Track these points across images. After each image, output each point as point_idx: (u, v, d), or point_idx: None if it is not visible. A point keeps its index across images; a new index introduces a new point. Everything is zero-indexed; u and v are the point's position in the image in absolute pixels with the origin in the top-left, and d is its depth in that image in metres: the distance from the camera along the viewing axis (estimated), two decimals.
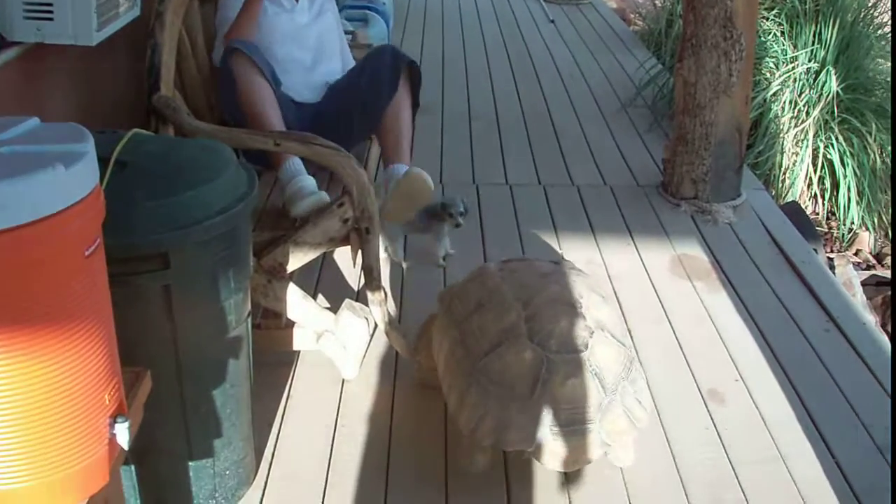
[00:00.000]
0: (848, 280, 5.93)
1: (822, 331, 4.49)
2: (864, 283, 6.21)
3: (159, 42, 3.91)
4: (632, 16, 13.23)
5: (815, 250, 5.81)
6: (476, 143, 6.81)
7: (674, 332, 4.42)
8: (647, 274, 4.99)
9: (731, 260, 5.19)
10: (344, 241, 3.72)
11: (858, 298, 5.76)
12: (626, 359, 3.19)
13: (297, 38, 4.61)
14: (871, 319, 4.96)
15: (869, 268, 6.91)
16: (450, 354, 3.30)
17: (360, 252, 3.72)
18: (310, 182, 3.91)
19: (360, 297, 4.38)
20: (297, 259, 3.67)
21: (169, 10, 3.99)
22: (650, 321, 4.52)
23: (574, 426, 3.03)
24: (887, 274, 6.53)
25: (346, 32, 6.54)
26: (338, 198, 3.66)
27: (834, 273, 5.87)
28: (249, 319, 3.02)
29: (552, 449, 3.04)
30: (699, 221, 5.63)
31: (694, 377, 4.05)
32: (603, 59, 9.23)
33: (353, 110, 4.47)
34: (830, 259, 6.68)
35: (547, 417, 3.02)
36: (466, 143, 6.82)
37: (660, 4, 10.69)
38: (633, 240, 5.38)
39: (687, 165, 5.74)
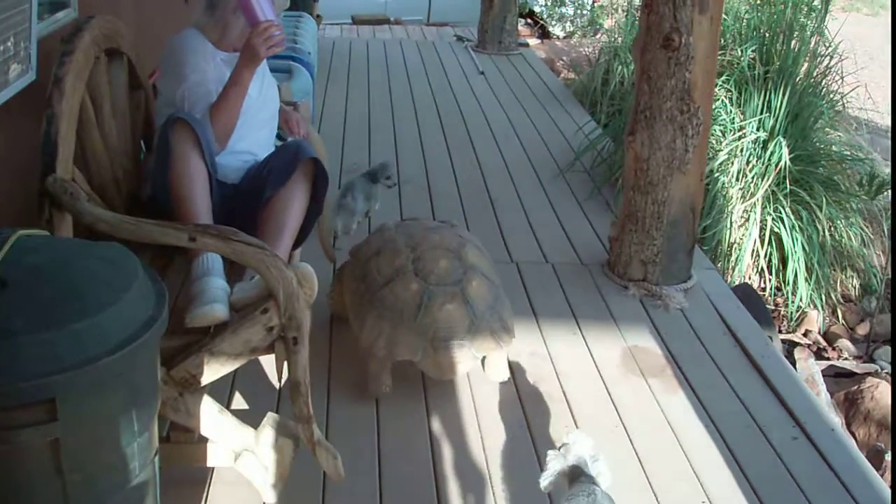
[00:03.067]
0: (810, 376, 5.56)
1: (790, 439, 4.10)
2: (823, 374, 5.83)
3: (57, 112, 3.37)
4: (559, 66, 12.95)
5: (771, 338, 5.47)
6: (406, 211, 6.35)
7: (631, 442, 4.01)
8: (598, 370, 4.57)
9: (686, 353, 4.79)
10: (268, 350, 3.24)
11: (823, 398, 5.39)
12: (494, 291, 4.20)
13: (247, 111, 4.12)
14: (837, 422, 4.58)
15: (820, 350, 6.57)
16: (355, 290, 4.28)
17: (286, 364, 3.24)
18: (215, 288, 3.39)
19: (283, 406, 3.91)
20: (214, 370, 3.19)
21: (70, 74, 3.47)
22: (605, 428, 4.10)
23: (449, 341, 4.00)
24: (844, 364, 6.18)
25: None
26: (263, 300, 3.18)
27: (794, 366, 5.50)
28: (157, 458, 2.58)
29: (433, 359, 4.01)
30: (649, 306, 5.23)
31: (657, 499, 3.62)
32: (537, 117, 8.84)
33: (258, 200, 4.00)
34: (786, 346, 6.32)
35: (428, 334, 4.00)
36: (395, 211, 6.37)
37: (594, 59, 10.37)
38: (579, 328, 4.95)
39: (636, 245, 5.33)
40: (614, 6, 13.90)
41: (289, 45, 7.68)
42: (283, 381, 3.24)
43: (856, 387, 5.63)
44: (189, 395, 3.16)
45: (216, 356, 3.17)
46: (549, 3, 15.68)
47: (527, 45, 12.63)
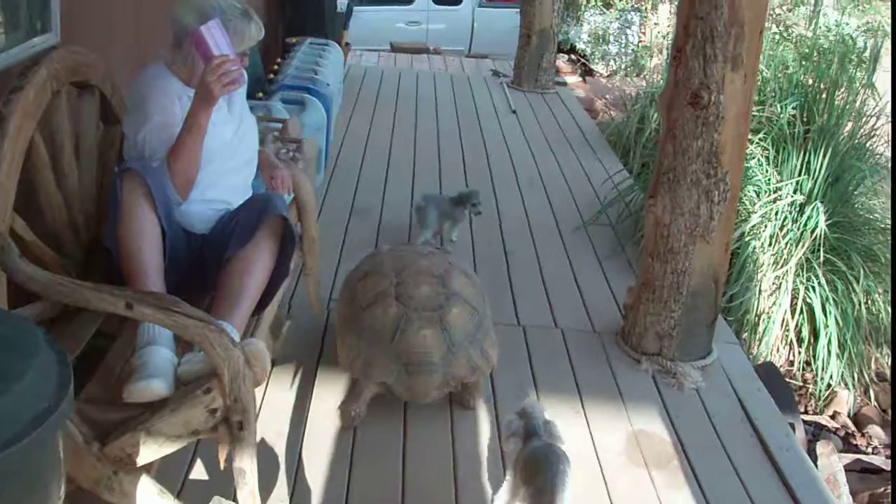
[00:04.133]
0: (832, 475, 5.09)
1: None
2: (847, 469, 5.37)
3: None
4: (599, 105, 12.57)
5: (793, 425, 5.03)
6: None
7: None
8: (597, 457, 4.16)
9: (697, 441, 4.37)
10: (212, 432, 2.89)
11: (844, 501, 4.93)
12: (475, 320, 4.23)
13: (219, 154, 3.75)
14: None
15: (848, 436, 6.10)
16: (341, 311, 4.41)
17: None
18: (159, 360, 3.02)
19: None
20: (151, 451, 2.85)
21: (16, 114, 3.12)
22: None
23: (423, 366, 4.06)
24: (872, 459, 5.71)
25: (276, 121, 5.78)
26: (209, 377, 2.82)
27: (815, 462, 5.06)
28: None
29: (405, 383, 4.09)
30: (661, 384, 4.81)
31: None
32: (566, 161, 8.42)
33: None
34: (811, 429, 5.87)
35: (402, 358, 4.06)
36: None
37: (629, 106, 9.97)
38: (582, 405, 4.54)
39: (652, 316, 4.92)
40: (658, 47, 13.51)
41: (307, 76, 7.37)
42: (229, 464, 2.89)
43: (882, 489, 5.17)
44: (125, 475, 2.83)
45: (153, 436, 2.84)
46: (592, 41, 15.30)
47: (564, 83, 12.26)
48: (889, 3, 12.93)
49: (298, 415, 4.22)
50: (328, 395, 4.36)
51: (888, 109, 7.11)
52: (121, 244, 3.34)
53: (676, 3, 7.46)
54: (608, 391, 4.71)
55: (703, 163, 4.58)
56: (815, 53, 8.81)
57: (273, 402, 4.28)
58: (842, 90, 7.06)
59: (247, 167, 3.99)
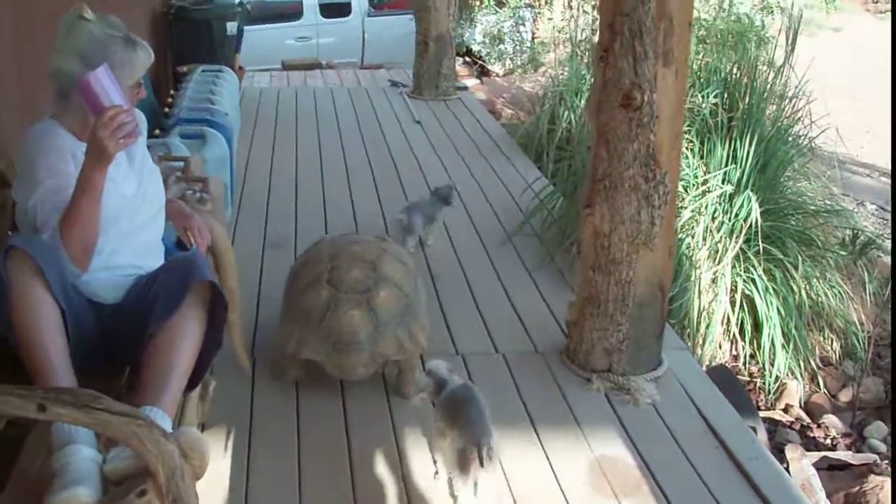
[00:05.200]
0: (806, 480, 4.87)
1: None
2: (815, 467, 5.16)
3: None
4: (499, 105, 12.35)
5: (755, 429, 4.82)
6: None
7: None
8: (562, 490, 3.88)
9: (663, 459, 4.11)
10: None
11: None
12: (404, 303, 4.48)
13: (121, 218, 3.38)
14: None
15: (804, 429, 5.91)
16: (284, 297, 4.72)
17: None
18: (81, 461, 2.66)
19: None
20: None
21: None
22: None
23: (350, 345, 4.32)
24: (839, 455, 5.52)
25: (177, 159, 5.42)
26: (142, 475, 2.48)
27: (786, 467, 4.84)
28: None
29: (334, 360, 4.36)
30: (616, 402, 4.54)
31: None
32: (479, 170, 8.10)
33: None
34: (768, 426, 5.66)
35: (331, 337, 4.34)
36: None
37: (536, 97, 9.74)
38: (537, 436, 4.26)
39: (598, 332, 4.64)
40: (555, 42, 13.30)
41: (204, 107, 6.99)
42: None
43: (857, 488, 4.95)
44: None
45: None
46: (487, 41, 15.06)
47: (465, 87, 11.97)
48: None
49: (237, 481, 3.86)
50: (266, 458, 4.02)
51: (807, 88, 6.91)
52: (18, 334, 2.97)
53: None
54: (562, 416, 4.43)
55: (641, 166, 4.32)
56: (714, 35, 8.68)
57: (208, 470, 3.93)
58: (762, 73, 6.87)
59: (154, 224, 3.60)
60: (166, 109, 7.45)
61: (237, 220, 6.71)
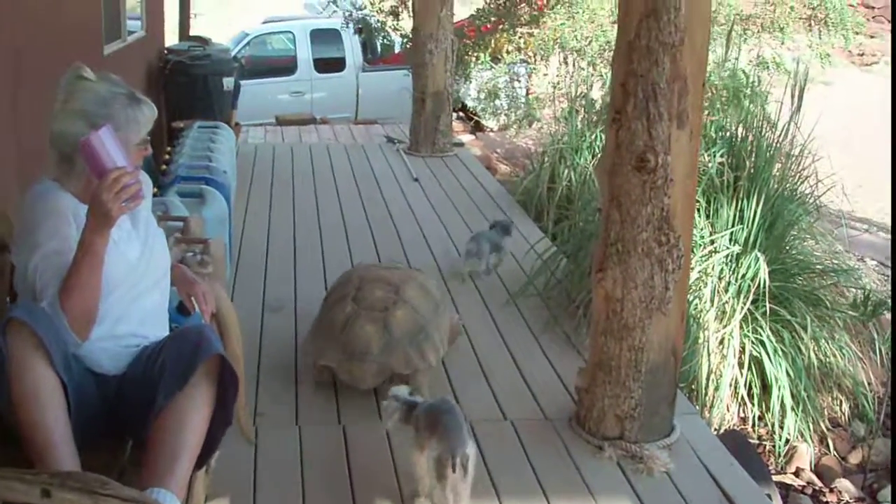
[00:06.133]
0: None
1: None
2: None
3: None
4: (494, 159, 12.29)
5: (770, 496, 4.69)
6: None
7: None
8: None
9: None
10: None
11: None
12: (419, 324, 4.93)
13: (124, 283, 3.26)
14: None
15: (816, 493, 5.78)
16: (318, 313, 5.27)
17: None
18: None
19: None
20: None
21: None
22: None
23: (363, 356, 4.81)
24: None
25: (176, 219, 5.32)
26: None
27: None
28: None
29: (346, 368, 4.86)
30: (629, 471, 4.41)
31: None
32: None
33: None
34: (781, 492, 5.53)
35: (347, 349, 4.83)
36: None
37: (531, 152, 9.66)
38: None
39: (610, 399, 4.53)
40: (551, 97, 13.26)
41: (202, 164, 6.90)
42: None
43: None
44: None
45: None
46: (481, 97, 15.02)
47: (462, 144, 11.90)
48: None
49: None
50: None
51: (812, 146, 6.84)
52: (17, 411, 2.84)
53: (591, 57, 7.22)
54: (574, 486, 4.30)
55: (654, 230, 4.22)
56: (709, 91, 8.62)
57: None
58: (767, 131, 6.80)
59: (158, 290, 3.47)
60: (163, 167, 7.36)
61: (235, 282, 6.59)
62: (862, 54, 22.73)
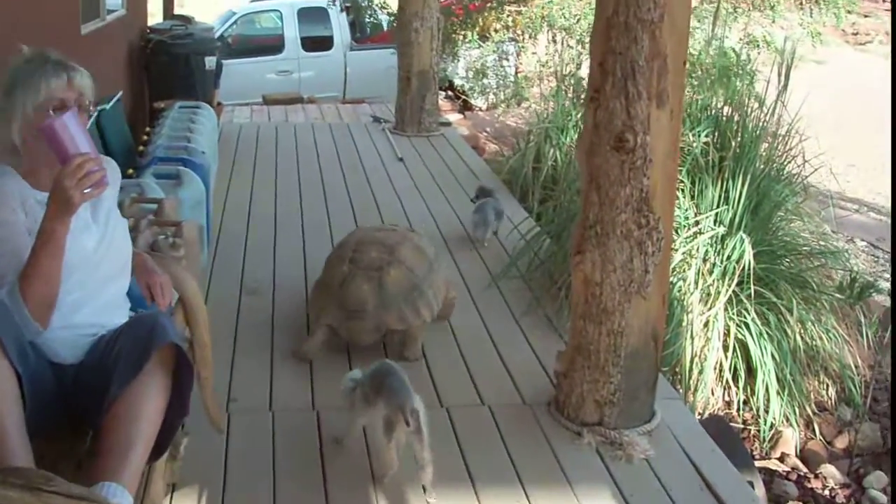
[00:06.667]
0: None
1: None
2: None
3: None
4: (483, 139, 12.16)
5: (752, 483, 4.62)
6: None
7: None
8: None
9: None
10: None
11: None
12: (412, 282, 5.15)
13: (80, 269, 3.15)
14: None
15: (801, 479, 5.70)
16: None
17: None
18: None
19: None
20: None
21: None
22: None
23: (358, 313, 5.05)
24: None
25: (150, 201, 5.22)
26: None
27: None
28: None
29: (345, 326, 5.09)
30: (608, 458, 4.32)
31: None
32: (463, 209, 7.81)
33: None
34: (764, 477, 5.46)
35: (344, 305, 5.07)
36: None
37: (519, 132, 9.54)
38: (526, 496, 4.01)
39: (589, 384, 4.43)
40: (538, 76, 13.14)
41: (180, 145, 6.78)
42: None
43: None
44: None
45: None
46: (469, 75, 14.88)
47: (449, 123, 11.77)
48: None
49: None
50: None
51: (800, 125, 6.73)
52: None
53: (579, 37, 7.14)
54: (551, 473, 4.21)
55: (633, 212, 4.13)
56: (698, 69, 8.53)
57: None
58: (754, 110, 6.69)
59: (118, 280, 3.38)
60: (140, 148, 7.24)
61: (213, 264, 6.48)
62: (856, 33, 22.68)
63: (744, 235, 6.00)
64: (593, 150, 4.18)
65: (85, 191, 2.87)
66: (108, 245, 3.27)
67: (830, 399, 6.32)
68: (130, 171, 6.56)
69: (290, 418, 4.56)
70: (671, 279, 5.91)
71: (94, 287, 3.21)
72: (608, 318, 4.30)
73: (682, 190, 6.39)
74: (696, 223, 6.22)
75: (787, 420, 5.94)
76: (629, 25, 3.96)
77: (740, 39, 12.06)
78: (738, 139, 6.52)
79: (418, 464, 3.87)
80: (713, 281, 6.00)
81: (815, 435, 6.11)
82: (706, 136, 6.60)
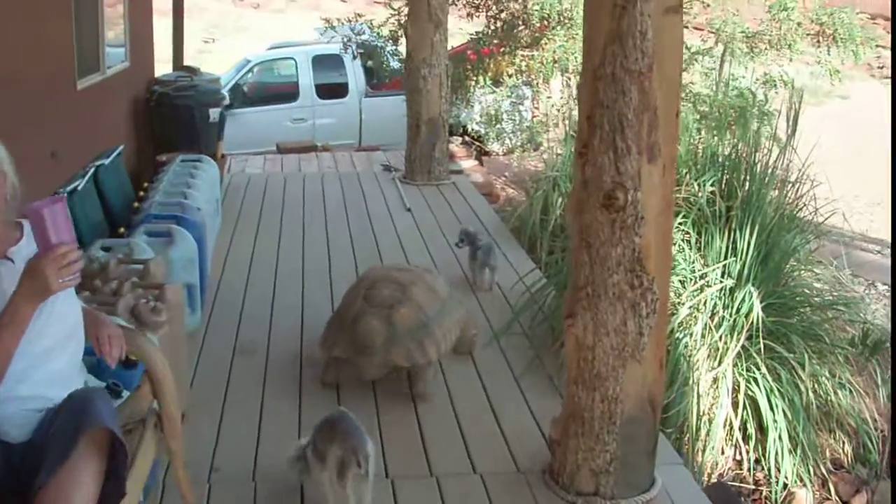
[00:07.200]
0: None
1: None
2: None
3: None
4: (499, 187, 11.99)
5: None
6: (306, 403, 5.27)
7: None
8: None
9: None
10: None
11: None
12: (421, 321, 5.29)
13: (22, 342, 3.00)
14: None
15: None
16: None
17: None
18: None
19: None
20: None
21: None
22: None
23: (367, 350, 5.22)
24: None
25: (138, 262, 5.08)
26: None
27: None
28: None
29: (353, 361, 5.30)
30: None
31: None
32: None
33: None
34: None
35: (355, 342, 5.24)
36: (294, 402, 5.28)
37: (530, 192, 9.34)
38: None
39: (584, 452, 4.23)
40: (553, 120, 12.98)
41: (175, 202, 6.63)
42: None
43: None
44: None
45: None
46: (485, 121, 14.73)
47: (460, 171, 11.63)
48: None
49: None
50: None
51: (811, 170, 6.52)
52: None
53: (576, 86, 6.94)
54: None
55: (626, 272, 3.93)
56: (717, 111, 8.35)
57: None
58: (762, 155, 6.48)
59: (65, 350, 3.23)
60: (135, 204, 7.10)
61: (209, 324, 6.32)
62: (882, 67, 22.42)
63: (752, 288, 5.79)
64: (582, 207, 4.00)
65: (63, 280, 2.87)
66: (48, 314, 3.10)
67: (847, 456, 6.06)
68: (122, 230, 6.41)
69: (273, 490, 4.37)
70: (678, 335, 5.71)
71: (37, 357, 3.06)
72: (602, 383, 4.10)
73: (688, 241, 6.19)
74: (703, 276, 6.01)
75: (801, 480, 5.69)
76: (616, 77, 3.78)
77: (757, 79, 11.86)
78: (746, 187, 6.30)
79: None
80: (721, 336, 5.78)
81: (831, 495, 5.85)
82: (712, 185, 6.39)
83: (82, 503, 2.77)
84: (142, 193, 7.42)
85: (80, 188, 6.68)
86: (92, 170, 7.20)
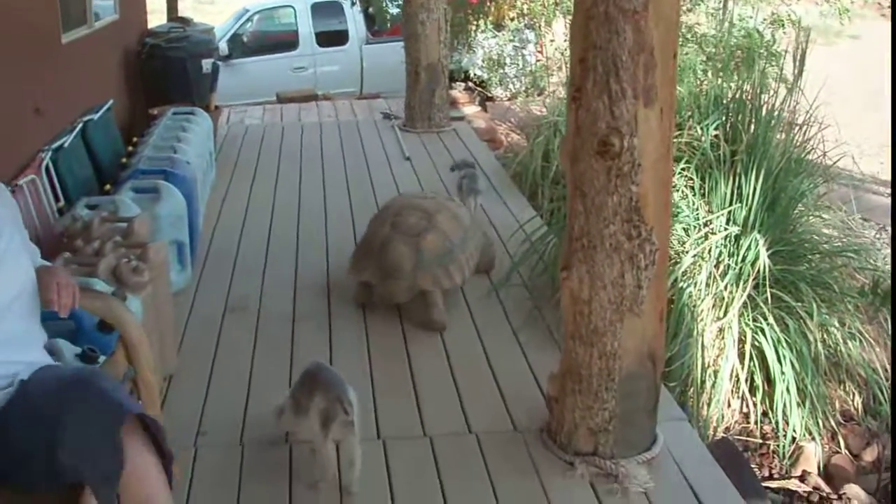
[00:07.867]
0: None
1: None
2: None
3: None
4: (501, 132, 11.77)
5: None
6: (298, 357, 5.11)
7: None
8: None
9: None
10: None
11: None
12: (447, 247, 5.54)
13: None
14: None
15: (822, 501, 5.27)
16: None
17: None
18: None
19: None
20: None
21: None
22: None
23: (394, 275, 5.45)
24: None
25: (122, 220, 4.92)
26: None
27: None
28: None
29: (381, 286, 5.52)
30: (601, 492, 3.94)
31: None
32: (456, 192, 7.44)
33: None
34: (782, 498, 5.06)
35: (382, 266, 5.48)
36: (286, 357, 5.13)
37: (531, 138, 9.12)
38: None
39: (581, 410, 4.05)
40: (557, 63, 12.74)
41: (164, 156, 6.44)
42: None
43: None
44: None
45: None
46: (487, 66, 14.48)
47: (462, 117, 11.38)
48: None
49: None
50: None
51: (819, 113, 6.28)
52: None
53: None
54: None
55: (622, 222, 3.73)
56: (723, 52, 8.12)
57: None
58: (768, 97, 6.25)
59: (12, 312, 3.03)
60: (123, 160, 6.91)
61: (200, 280, 6.15)
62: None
63: (758, 235, 5.59)
64: (576, 155, 3.79)
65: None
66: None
67: (857, 408, 5.88)
68: (108, 186, 6.24)
69: (260, 453, 4.21)
70: (682, 284, 5.53)
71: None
72: (599, 339, 3.92)
73: (692, 187, 6.00)
74: (708, 223, 5.82)
75: (810, 433, 5.51)
76: (610, 16, 3.56)
77: (764, 20, 11.59)
78: (752, 130, 6.08)
79: (347, 460, 3.86)
80: (727, 285, 5.59)
81: (841, 448, 5.67)
82: (716, 128, 6.17)
83: (163, 492, 2.74)
84: (131, 148, 7.23)
85: (66, 144, 6.52)
86: (80, 125, 7.03)
